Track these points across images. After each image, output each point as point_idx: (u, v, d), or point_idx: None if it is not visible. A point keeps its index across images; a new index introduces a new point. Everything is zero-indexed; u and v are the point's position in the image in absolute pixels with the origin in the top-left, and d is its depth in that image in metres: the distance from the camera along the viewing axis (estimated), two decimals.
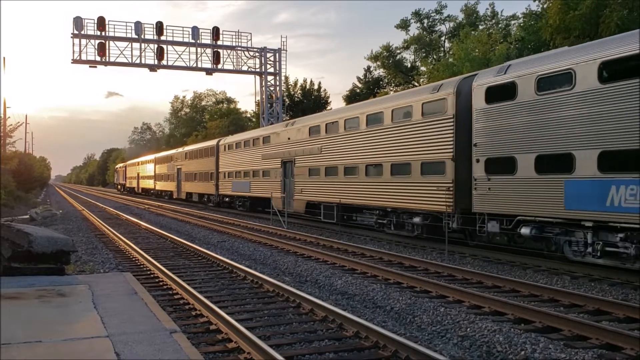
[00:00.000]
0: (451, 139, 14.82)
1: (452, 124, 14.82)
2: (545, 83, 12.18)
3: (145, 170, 58.90)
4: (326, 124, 21.69)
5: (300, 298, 8.88)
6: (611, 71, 10.94)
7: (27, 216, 26.38)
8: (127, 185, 71.92)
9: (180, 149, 47.64)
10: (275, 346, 6.59)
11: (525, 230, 12.72)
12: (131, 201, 48.40)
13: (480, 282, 10.80)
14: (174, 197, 46.65)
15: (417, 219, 16.35)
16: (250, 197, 30.36)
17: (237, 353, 6.57)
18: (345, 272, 12.03)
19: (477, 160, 13.87)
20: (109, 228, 21.09)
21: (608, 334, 6.91)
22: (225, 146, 34.43)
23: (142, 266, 12.95)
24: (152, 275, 11.65)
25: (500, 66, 14.45)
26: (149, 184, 57.14)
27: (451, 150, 14.82)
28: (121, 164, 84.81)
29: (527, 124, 12.51)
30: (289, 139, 24.89)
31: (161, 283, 10.82)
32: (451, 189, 14.76)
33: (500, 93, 13.35)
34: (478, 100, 13.94)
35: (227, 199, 34.49)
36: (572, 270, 11.75)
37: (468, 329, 7.49)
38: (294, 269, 12.60)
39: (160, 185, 52.20)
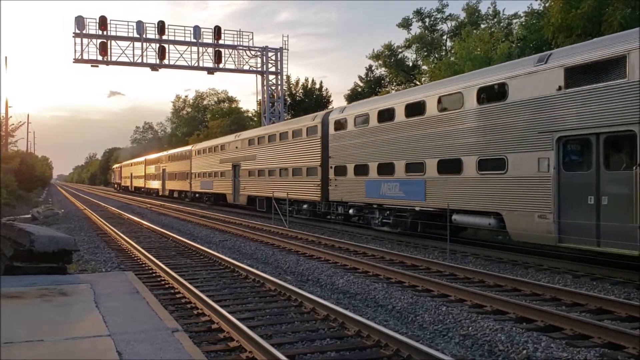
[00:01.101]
0: (319, 152, 21.91)
1: (319, 142, 21.94)
2: (358, 121, 19.45)
3: (137, 170, 64.94)
4: (258, 138, 28.90)
5: (301, 297, 8.88)
6: (382, 115, 17.98)
7: (29, 215, 26.42)
8: (122, 184, 77.68)
9: (164, 153, 53.35)
10: (277, 345, 6.59)
11: (351, 211, 20.17)
12: (133, 200, 48.51)
13: (482, 281, 10.78)
14: (160, 194, 52.50)
15: (305, 206, 23.53)
16: (213, 193, 36.83)
17: (238, 352, 6.57)
18: (347, 271, 12.03)
19: (331, 167, 20.99)
20: (111, 227, 21.10)
21: (610, 332, 6.90)
22: (196, 151, 40.90)
23: (144, 265, 12.96)
24: (154, 275, 11.66)
25: (342, 107, 22.76)
26: (140, 182, 63.16)
27: (319, 160, 21.86)
28: (117, 165, 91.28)
29: (352, 145, 19.67)
30: (236, 147, 31.74)
31: (163, 282, 10.83)
32: (319, 185, 21.82)
33: (341, 124, 20.54)
34: (331, 128, 21.16)
35: (197, 195, 41.16)
36: (574, 269, 11.74)
37: (470, 328, 7.48)
38: (295, 268, 12.60)
39: (149, 184, 58.35)
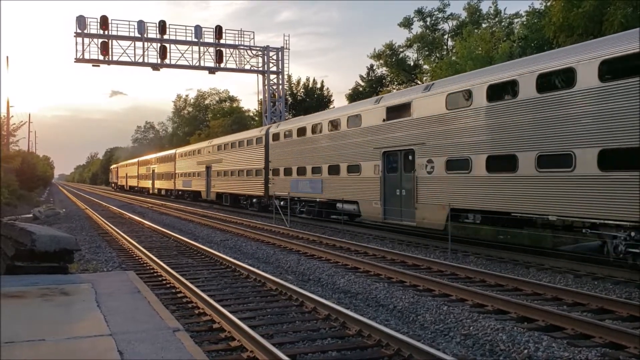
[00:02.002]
0: (263, 158, 28.19)
1: (264, 150, 28.19)
2: (286, 134, 25.81)
3: (131, 171, 71.84)
4: (224, 144, 35.67)
5: (303, 297, 8.88)
6: (299, 131, 24.44)
7: (31, 215, 26.45)
8: (119, 183, 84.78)
9: (154, 155, 59.83)
10: (278, 345, 6.59)
11: (282, 202, 25.28)
12: (134, 200, 48.60)
13: (483, 281, 10.78)
14: (150, 192, 58.68)
15: (255, 200, 30.29)
16: (191, 190, 43.03)
17: (240, 351, 6.58)
18: (348, 270, 12.03)
19: (271, 170, 27.24)
20: (112, 227, 21.12)
21: (611, 332, 6.90)
22: (178, 154, 47.69)
23: (145, 265, 12.97)
24: (155, 274, 11.67)
25: (278, 123, 30.43)
26: (134, 182, 69.96)
27: (263, 163, 28.14)
28: (114, 165, 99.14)
29: (282, 152, 26.06)
30: (209, 152, 38.30)
31: (164, 282, 10.84)
32: (263, 183, 28.14)
33: (276, 136, 26.89)
34: (270, 139, 27.38)
35: (180, 193, 47.63)
36: (575, 269, 11.74)
37: (471, 328, 7.48)
38: (296, 267, 12.60)
39: (141, 183, 65.18)
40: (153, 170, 57.11)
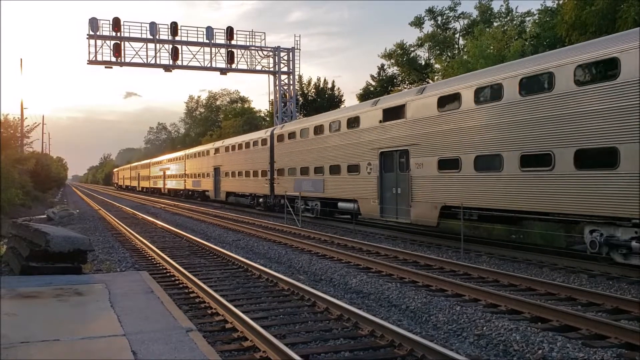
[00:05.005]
0: (184, 169, 49.66)
1: (184, 165, 49.47)
2: (194, 155, 46.17)
3: (127, 174, 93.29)
4: (169, 159, 56.75)
5: (315, 297, 8.88)
6: (192, 155, 48.02)
7: (45, 216, 26.71)
8: (119, 183, 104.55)
9: (139, 163, 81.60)
10: (291, 345, 6.60)
11: (191, 192, 48.64)
12: (147, 200, 48.92)
13: (497, 281, 10.72)
14: (137, 189, 78.62)
15: (181, 191, 51.74)
16: (156, 187, 64.04)
17: (252, 352, 6.59)
18: (360, 270, 12.01)
19: (186, 175, 48.17)
20: (126, 227, 21.25)
21: (627, 333, 6.82)
22: (151, 163, 68.31)
23: (158, 265, 13.04)
24: (168, 274, 11.73)
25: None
26: (127, 182, 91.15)
27: (184, 171, 49.62)
28: (116, 169, 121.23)
29: (193, 166, 46.13)
30: (164, 163, 58.86)
31: (177, 282, 10.89)
32: (184, 182, 50.25)
33: (189, 156, 47.62)
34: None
35: (152, 189, 67.26)
36: (589, 269, 11.63)
37: (484, 328, 7.44)
38: (308, 267, 12.60)
39: (132, 183, 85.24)
40: (138, 174, 78.08)
